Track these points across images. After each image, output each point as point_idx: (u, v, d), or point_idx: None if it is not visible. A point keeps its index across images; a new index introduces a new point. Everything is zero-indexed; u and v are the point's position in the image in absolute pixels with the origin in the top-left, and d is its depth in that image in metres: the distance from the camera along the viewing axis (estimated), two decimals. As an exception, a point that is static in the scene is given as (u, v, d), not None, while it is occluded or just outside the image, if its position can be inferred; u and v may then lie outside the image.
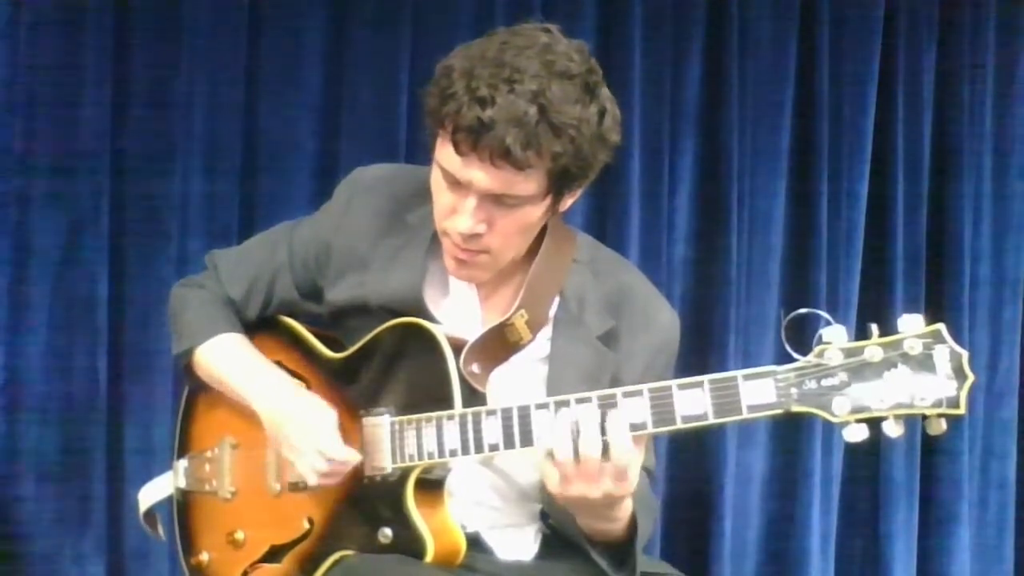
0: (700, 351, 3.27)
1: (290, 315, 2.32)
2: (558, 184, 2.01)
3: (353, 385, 2.18)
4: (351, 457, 2.10)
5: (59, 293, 3.15)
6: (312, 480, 2.12)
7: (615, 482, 1.91)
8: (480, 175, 1.96)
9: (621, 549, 2.06)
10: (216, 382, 2.30)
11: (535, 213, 2.04)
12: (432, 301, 2.17)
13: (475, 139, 1.93)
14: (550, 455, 1.91)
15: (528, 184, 1.97)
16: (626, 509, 1.99)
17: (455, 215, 2.02)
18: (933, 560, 3.76)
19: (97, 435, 3.17)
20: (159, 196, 3.21)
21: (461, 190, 2.00)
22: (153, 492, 2.45)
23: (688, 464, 3.52)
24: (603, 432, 1.89)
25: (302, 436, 2.12)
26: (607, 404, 1.93)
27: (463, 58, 1.97)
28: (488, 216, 2.01)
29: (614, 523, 2.01)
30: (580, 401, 1.95)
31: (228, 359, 2.28)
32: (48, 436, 3.16)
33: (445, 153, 1.99)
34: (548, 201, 2.03)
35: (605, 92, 2.01)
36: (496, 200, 1.99)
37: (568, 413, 1.92)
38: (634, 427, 1.90)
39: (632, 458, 1.90)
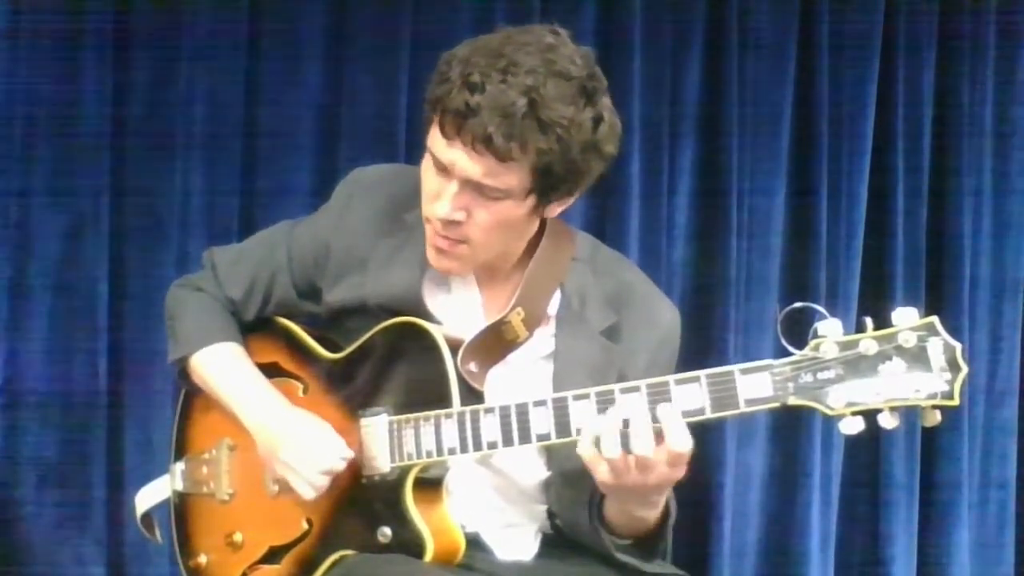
0: (700, 351, 3.26)
1: (288, 315, 2.32)
2: (543, 184, 2.00)
3: (350, 385, 2.18)
4: (345, 456, 2.11)
5: (59, 293, 3.16)
6: (310, 496, 2.12)
7: (671, 468, 1.91)
8: (462, 158, 1.96)
9: (651, 537, 2.08)
10: (208, 391, 2.30)
11: (516, 211, 2.03)
12: (432, 300, 2.17)
13: (460, 123, 1.94)
14: (597, 452, 1.90)
15: (509, 177, 1.97)
16: (668, 491, 2.00)
17: (437, 200, 2.02)
18: (933, 560, 3.75)
19: (97, 435, 3.17)
20: (159, 196, 3.21)
21: (444, 174, 2.00)
22: (150, 495, 2.45)
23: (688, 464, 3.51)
24: (655, 420, 1.89)
25: (296, 454, 2.12)
26: (606, 400, 1.93)
27: (466, 47, 1.99)
28: (467, 204, 2.01)
29: (655, 509, 2.02)
30: (578, 398, 1.95)
31: (220, 371, 2.28)
32: (48, 436, 3.16)
33: (434, 136, 2.00)
34: (532, 200, 2.03)
35: (605, 101, 2.01)
36: (477, 189, 1.99)
37: (614, 411, 1.91)
38: None
39: (689, 443, 1.90)
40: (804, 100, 3.63)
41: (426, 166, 2.05)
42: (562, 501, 2.17)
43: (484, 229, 2.03)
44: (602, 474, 1.92)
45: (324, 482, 2.11)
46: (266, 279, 2.30)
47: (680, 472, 1.93)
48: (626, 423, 1.90)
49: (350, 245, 2.19)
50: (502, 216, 2.03)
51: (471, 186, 1.99)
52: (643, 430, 1.89)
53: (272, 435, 2.17)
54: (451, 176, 1.99)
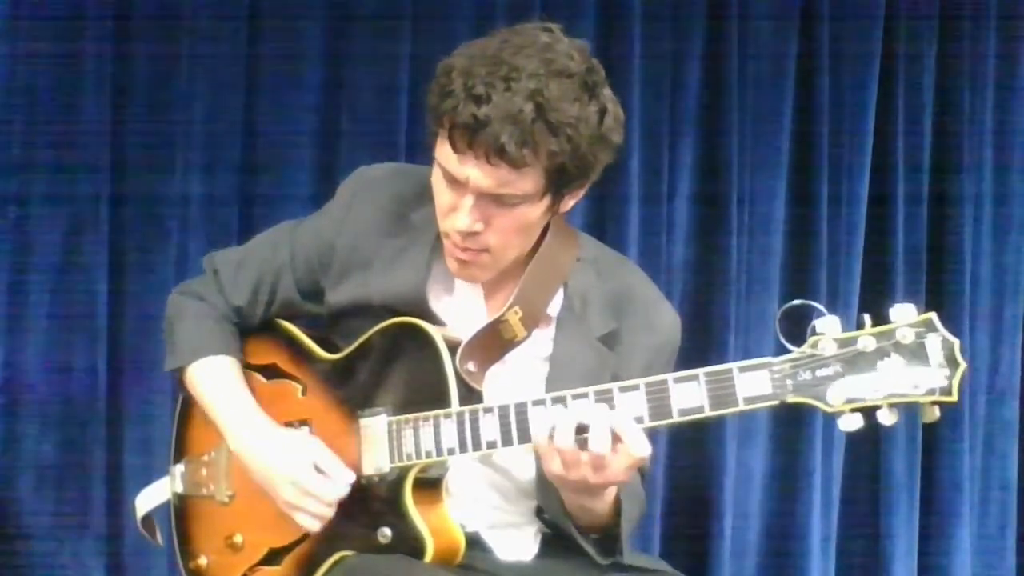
0: (700, 351, 3.26)
1: (290, 316, 2.32)
2: (557, 183, 2.00)
3: (349, 386, 2.17)
4: (348, 482, 2.10)
5: (59, 293, 3.15)
6: (315, 529, 2.12)
7: (627, 470, 1.91)
8: (476, 173, 1.96)
9: (609, 534, 2.07)
10: (201, 404, 2.29)
11: (534, 212, 2.03)
12: (436, 301, 2.17)
13: (471, 137, 1.93)
14: (551, 443, 1.91)
15: (525, 183, 1.97)
16: (612, 489, 1.99)
17: (454, 213, 2.02)
18: (934, 560, 3.75)
19: (97, 435, 3.17)
20: (159, 196, 3.21)
21: (459, 188, 2.00)
22: (150, 498, 2.45)
23: (688, 464, 3.51)
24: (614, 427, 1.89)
25: (293, 493, 2.11)
26: (604, 399, 1.93)
27: (463, 56, 1.98)
28: (485, 215, 2.00)
29: (600, 499, 2.00)
30: (576, 397, 1.95)
31: (211, 388, 2.27)
32: (48, 436, 3.16)
33: (443, 151, 1.99)
34: (547, 200, 2.03)
35: (607, 92, 2.01)
36: (494, 199, 1.99)
37: (571, 412, 1.92)
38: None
39: (648, 448, 1.90)
40: (804, 100, 3.63)
41: (437, 179, 2.05)
42: (548, 495, 2.15)
43: (504, 235, 2.04)
44: (554, 466, 1.92)
45: (331, 513, 2.10)
46: (270, 281, 2.29)
47: (628, 475, 1.94)
48: (583, 428, 1.90)
49: (354, 244, 2.19)
50: (521, 220, 2.03)
51: (488, 197, 1.99)
52: (602, 432, 1.89)
53: (269, 474, 2.16)
54: (465, 189, 1.99)
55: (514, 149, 1.92)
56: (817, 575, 3.63)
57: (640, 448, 1.90)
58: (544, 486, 2.14)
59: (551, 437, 1.91)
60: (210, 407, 2.26)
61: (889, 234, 3.69)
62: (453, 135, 1.96)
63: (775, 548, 3.63)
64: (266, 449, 2.18)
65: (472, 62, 1.96)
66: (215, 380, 2.27)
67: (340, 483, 2.10)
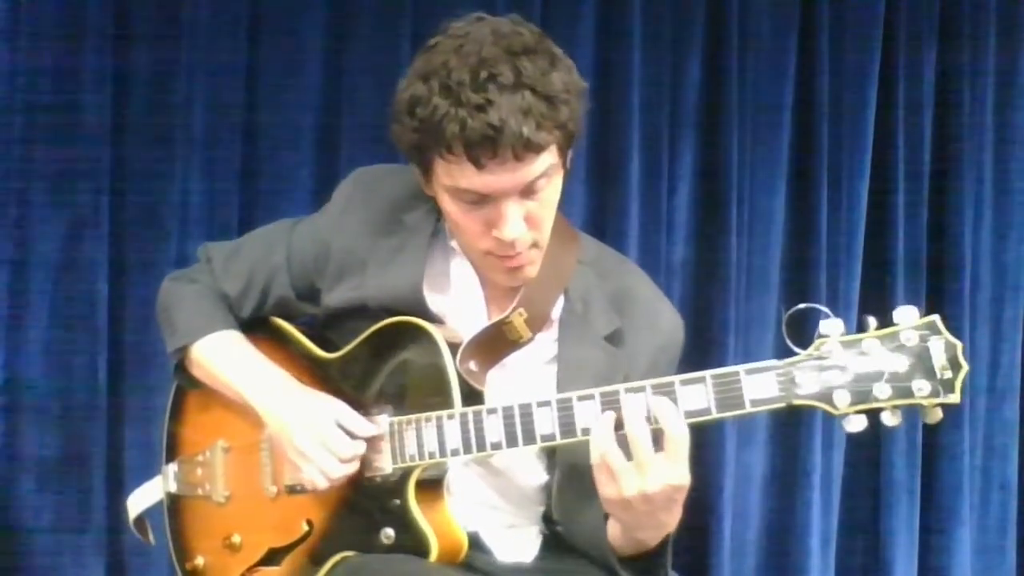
0: (700, 351, 3.26)
1: (286, 316, 2.31)
2: (565, 147, 2.02)
3: (348, 386, 2.17)
4: (370, 433, 2.09)
5: (59, 293, 3.15)
6: (322, 485, 2.10)
7: (671, 466, 1.91)
8: (506, 176, 1.94)
9: (650, 560, 2.05)
10: (212, 381, 2.27)
11: (557, 185, 2.04)
12: (432, 300, 2.16)
13: (493, 145, 1.91)
14: (601, 459, 1.90)
15: (548, 161, 1.98)
16: (677, 514, 1.99)
17: (498, 229, 2.00)
18: (934, 561, 3.74)
19: (97, 435, 3.16)
20: (159, 196, 3.20)
21: (491, 203, 1.98)
22: (142, 498, 2.44)
23: (688, 464, 3.51)
24: (651, 421, 1.90)
25: (308, 440, 2.10)
26: (611, 401, 1.93)
27: (420, 83, 1.96)
28: (525, 212, 2.00)
29: (661, 530, 2.00)
30: (582, 399, 1.95)
31: (226, 357, 2.25)
32: (48, 436, 3.15)
33: (460, 175, 1.96)
34: (561, 167, 2.04)
35: (557, 49, 2.01)
36: (528, 191, 1.98)
37: (607, 413, 1.92)
38: None
39: (685, 437, 1.91)
40: (804, 99, 3.62)
41: (457, 209, 2.01)
42: (564, 500, 2.15)
43: (543, 222, 2.04)
44: (606, 488, 1.91)
45: (341, 472, 2.08)
46: (263, 277, 2.28)
47: (681, 473, 1.93)
48: (619, 424, 1.89)
49: (350, 246, 2.19)
50: (552, 199, 2.04)
51: (523, 192, 1.98)
52: (640, 430, 1.89)
53: (285, 422, 2.14)
54: (499, 200, 1.97)
55: (536, 135, 1.91)
56: (817, 575, 3.63)
57: (677, 427, 1.90)
58: (561, 492, 2.13)
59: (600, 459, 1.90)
60: (224, 374, 2.24)
61: (889, 234, 3.68)
62: (472, 153, 1.92)
63: (775, 548, 3.63)
64: (288, 399, 2.16)
65: (441, 81, 1.93)
66: (228, 350, 2.26)
67: (360, 438, 2.09)
